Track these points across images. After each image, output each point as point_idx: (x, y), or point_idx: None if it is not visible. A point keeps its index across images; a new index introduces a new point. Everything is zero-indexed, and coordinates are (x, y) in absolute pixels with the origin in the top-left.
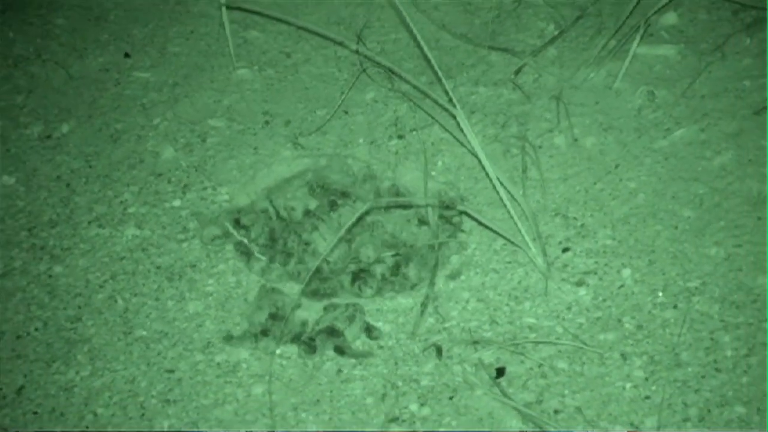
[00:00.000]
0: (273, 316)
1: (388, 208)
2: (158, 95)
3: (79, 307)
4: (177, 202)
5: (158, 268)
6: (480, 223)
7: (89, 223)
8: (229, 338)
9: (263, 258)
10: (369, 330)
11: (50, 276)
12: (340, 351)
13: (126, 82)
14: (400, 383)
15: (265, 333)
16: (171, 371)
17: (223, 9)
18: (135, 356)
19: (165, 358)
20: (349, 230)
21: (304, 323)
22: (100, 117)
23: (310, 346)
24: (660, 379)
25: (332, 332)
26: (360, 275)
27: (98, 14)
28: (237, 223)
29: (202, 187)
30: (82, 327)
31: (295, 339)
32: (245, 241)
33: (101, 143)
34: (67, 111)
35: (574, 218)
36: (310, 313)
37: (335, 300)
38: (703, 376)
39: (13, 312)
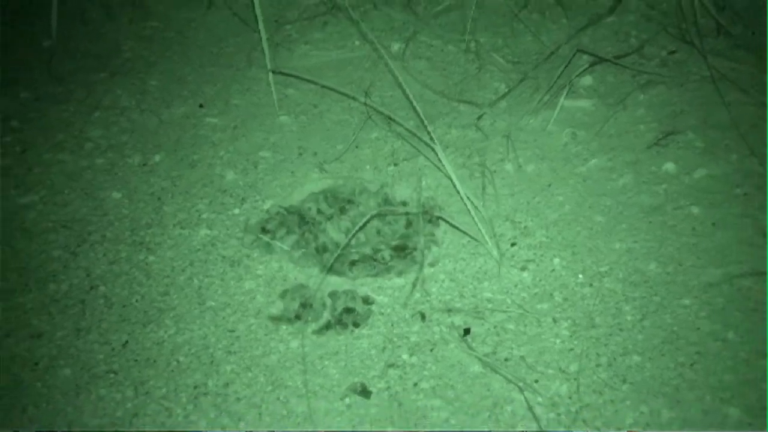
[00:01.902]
0: (303, 305)
1: (386, 214)
2: (223, 134)
3: (167, 285)
4: (236, 210)
5: (223, 257)
6: (452, 226)
7: (174, 225)
8: (271, 311)
9: (294, 250)
10: (366, 300)
11: (146, 263)
12: (356, 324)
13: (200, 125)
14: (395, 339)
15: (298, 317)
16: (232, 331)
17: (270, 73)
18: (206, 320)
19: (228, 322)
20: (358, 231)
21: (324, 305)
22: (182, 150)
23: (342, 324)
24: (580, 336)
25: (349, 310)
26: (355, 263)
27: (180, 77)
28: (263, 229)
29: (254, 200)
30: (169, 299)
31: (321, 317)
32: (268, 240)
33: (183, 169)
34: (159, 146)
35: (519, 222)
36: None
37: (343, 284)
38: (610, 334)
39: (120, 288)
